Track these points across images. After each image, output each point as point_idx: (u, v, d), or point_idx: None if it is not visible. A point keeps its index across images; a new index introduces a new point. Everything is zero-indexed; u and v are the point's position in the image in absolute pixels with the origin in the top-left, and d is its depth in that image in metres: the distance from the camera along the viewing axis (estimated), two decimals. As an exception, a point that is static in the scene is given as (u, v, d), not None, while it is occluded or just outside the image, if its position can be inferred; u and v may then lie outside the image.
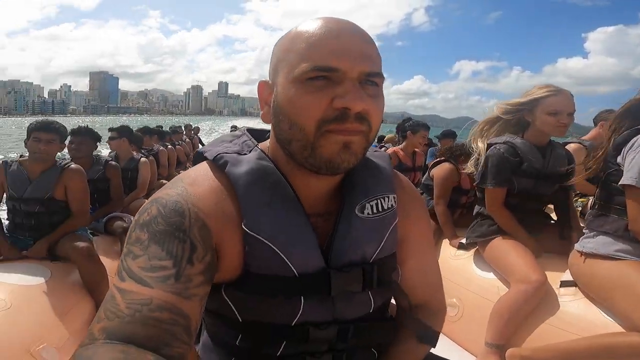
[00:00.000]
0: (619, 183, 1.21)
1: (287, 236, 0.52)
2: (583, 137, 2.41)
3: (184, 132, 7.69)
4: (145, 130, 4.61)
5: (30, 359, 1.51)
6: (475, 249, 1.90)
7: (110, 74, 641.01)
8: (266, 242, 0.51)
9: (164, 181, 3.92)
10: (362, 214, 0.58)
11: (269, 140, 0.59)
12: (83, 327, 1.84)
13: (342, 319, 0.57)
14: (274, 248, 0.51)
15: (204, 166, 0.57)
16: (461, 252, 1.99)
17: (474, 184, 1.88)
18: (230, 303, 0.54)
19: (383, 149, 3.78)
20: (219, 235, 0.51)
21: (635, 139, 1.23)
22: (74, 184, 2.04)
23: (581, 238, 1.43)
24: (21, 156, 2.11)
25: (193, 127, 9.33)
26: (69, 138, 2.31)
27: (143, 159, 3.27)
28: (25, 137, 2.02)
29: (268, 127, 0.60)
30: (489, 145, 1.71)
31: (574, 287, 1.45)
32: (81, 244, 1.94)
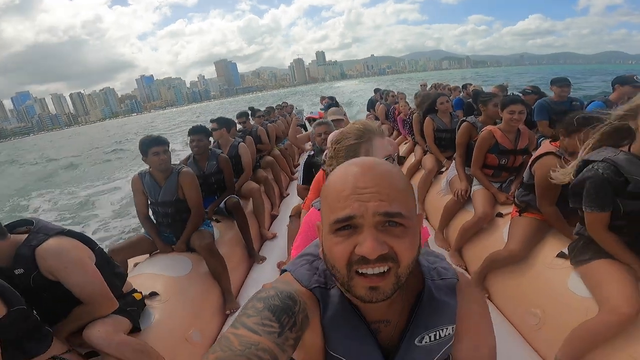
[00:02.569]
0: None
1: (357, 353, 0.64)
2: None
3: (276, 112, 7.75)
4: (250, 113, 5.32)
5: (185, 343, 1.86)
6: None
7: (229, 61, 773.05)
8: (342, 358, 0.64)
9: (269, 157, 4.67)
10: (420, 343, 0.66)
11: None
12: (215, 311, 2.34)
13: None
14: None
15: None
16: (559, 261, 1.82)
17: (570, 204, 1.61)
18: None
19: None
20: (311, 331, 0.63)
21: None
22: (187, 185, 2.47)
23: None
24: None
25: (287, 105, 9.30)
26: (189, 137, 3.10)
27: (242, 144, 3.68)
28: (142, 153, 2.41)
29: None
30: (586, 162, 1.46)
31: None
32: (204, 242, 2.41)
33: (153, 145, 2.39)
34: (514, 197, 2.26)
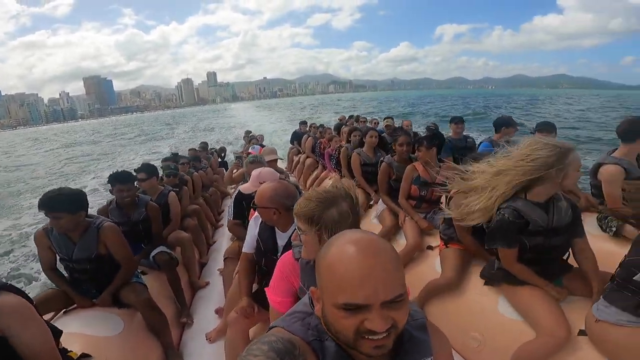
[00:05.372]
0: None
1: None
2: (614, 154, 2.28)
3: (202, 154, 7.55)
4: (175, 159, 5.04)
5: None
6: (501, 286, 1.96)
7: (103, 77, 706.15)
8: None
9: (194, 205, 4.40)
10: None
11: None
12: None
13: None
14: None
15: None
16: (486, 287, 2.01)
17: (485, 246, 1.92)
18: None
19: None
20: None
21: None
22: (112, 240, 2.20)
23: (597, 303, 1.54)
24: None
25: (213, 149, 9.44)
26: (116, 185, 2.76)
27: (171, 193, 3.50)
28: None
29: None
30: (498, 209, 1.73)
31: (587, 337, 1.57)
32: (141, 297, 2.21)
33: (43, 208, 2.00)
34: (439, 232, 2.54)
